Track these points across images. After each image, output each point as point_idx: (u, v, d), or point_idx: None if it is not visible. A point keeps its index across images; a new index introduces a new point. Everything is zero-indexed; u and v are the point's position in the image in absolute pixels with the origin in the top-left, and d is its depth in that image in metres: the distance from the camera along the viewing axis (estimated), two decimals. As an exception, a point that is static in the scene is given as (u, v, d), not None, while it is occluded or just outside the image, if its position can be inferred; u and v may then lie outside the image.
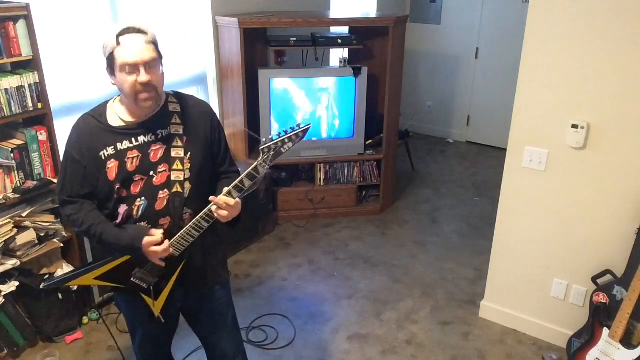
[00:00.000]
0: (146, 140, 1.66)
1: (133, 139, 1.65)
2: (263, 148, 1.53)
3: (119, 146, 1.64)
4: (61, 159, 2.66)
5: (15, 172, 2.53)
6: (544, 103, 2.47)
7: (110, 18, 3.08)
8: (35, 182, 2.58)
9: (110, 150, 1.63)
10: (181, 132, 1.69)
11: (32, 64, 2.51)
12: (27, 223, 2.57)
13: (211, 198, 1.59)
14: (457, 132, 5.99)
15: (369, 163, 4.11)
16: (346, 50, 4.21)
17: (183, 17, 3.56)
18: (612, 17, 2.21)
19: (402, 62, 4.13)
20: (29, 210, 2.58)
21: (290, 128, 1.54)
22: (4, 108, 2.42)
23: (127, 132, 1.65)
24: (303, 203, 4.08)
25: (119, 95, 1.69)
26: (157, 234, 1.64)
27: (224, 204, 1.58)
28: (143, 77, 1.55)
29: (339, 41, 3.92)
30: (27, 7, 2.41)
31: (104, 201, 1.69)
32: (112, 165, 1.63)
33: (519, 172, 2.64)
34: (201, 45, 3.76)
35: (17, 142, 2.54)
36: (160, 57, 1.62)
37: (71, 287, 2.74)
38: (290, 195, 4.05)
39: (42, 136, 2.59)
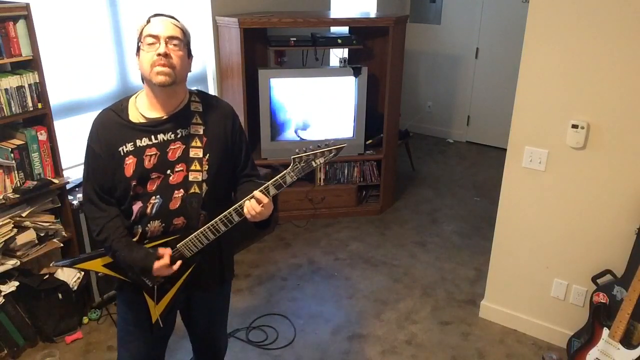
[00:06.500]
0: (165, 138, 1.64)
1: (152, 137, 1.63)
2: (295, 157, 1.52)
3: (138, 143, 1.62)
4: (61, 158, 2.69)
5: (15, 172, 2.53)
6: (544, 103, 2.47)
7: (110, 18, 3.08)
8: (35, 182, 2.58)
9: (129, 147, 1.62)
10: (201, 132, 1.67)
11: (32, 64, 2.51)
12: (27, 223, 2.58)
13: (254, 193, 1.58)
14: (457, 132, 5.99)
15: (369, 163, 4.11)
16: (346, 50, 4.21)
17: (183, 17, 3.55)
18: (612, 16, 2.21)
19: (402, 62, 4.13)
20: (29, 210, 2.58)
21: (325, 144, 1.53)
22: (4, 108, 2.42)
23: (147, 129, 1.63)
24: (303, 203, 4.08)
25: (141, 91, 1.69)
26: (166, 257, 1.63)
27: (259, 200, 1.57)
28: (162, 48, 1.56)
29: (339, 41, 3.92)
30: (27, 7, 2.41)
31: (120, 199, 1.67)
32: (130, 162, 1.61)
33: (519, 172, 2.64)
34: (201, 45, 3.75)
35: (17, 142, 2.54)
36: (186, 44, 1.66)
37: (71, 287, 2.74)
38: (290, 195, 4.05)
39: (42, 136, 2.59)
